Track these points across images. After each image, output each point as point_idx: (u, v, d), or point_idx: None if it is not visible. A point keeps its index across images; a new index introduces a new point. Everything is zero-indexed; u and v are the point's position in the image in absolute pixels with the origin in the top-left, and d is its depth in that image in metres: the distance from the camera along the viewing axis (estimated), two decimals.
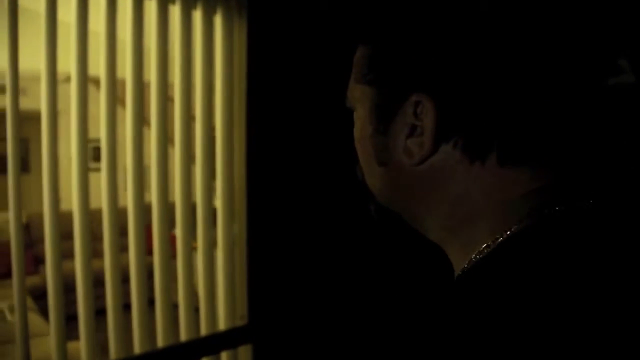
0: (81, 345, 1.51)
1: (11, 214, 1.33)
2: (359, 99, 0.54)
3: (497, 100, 0.44)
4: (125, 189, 1.61)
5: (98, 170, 1.55)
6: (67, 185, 1.55)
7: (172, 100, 1.70)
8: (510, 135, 0.45)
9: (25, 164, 7.34)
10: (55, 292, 1.42)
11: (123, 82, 1.59)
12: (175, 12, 1.63)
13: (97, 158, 1.63)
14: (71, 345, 1.55)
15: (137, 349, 1.57)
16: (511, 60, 0.43)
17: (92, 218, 1.51)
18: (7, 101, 1.31)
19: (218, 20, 1.73)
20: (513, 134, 0.45)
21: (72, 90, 1.43)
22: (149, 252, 1.58)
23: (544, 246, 0.41)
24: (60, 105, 1.49)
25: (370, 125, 0.53)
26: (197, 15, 1.67)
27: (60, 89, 1.48)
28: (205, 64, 1.72)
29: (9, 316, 3.38)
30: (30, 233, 4.90)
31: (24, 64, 1.33)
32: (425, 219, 0.53)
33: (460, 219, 0.49)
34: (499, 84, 0.44)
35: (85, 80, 1.45)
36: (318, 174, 1.90)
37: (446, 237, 0.52)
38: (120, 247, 1.57)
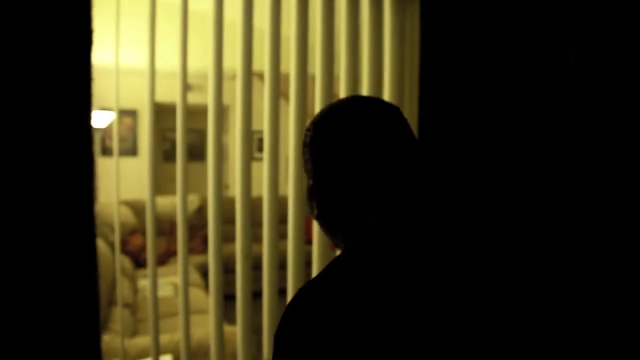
0: (237, 327, 1.58)
1: (178, 199, 1.43)
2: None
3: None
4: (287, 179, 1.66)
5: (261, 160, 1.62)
6: (234, 173, 1.65)
7: (335, 94, 1.70)
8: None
9: (201, 153, 8.16)
10: (216, 273, 1.51)
11: (286, 76, 1.63)
12: (341, 3, 1.61)
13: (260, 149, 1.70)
14: (229, 329, 1.64)
15: None
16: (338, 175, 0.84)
17: (254, 205, 1.58)
18: (176, 96, 1.42)
19: (387, 6, 1.67)
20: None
21: (238, 85, 1.50)
22: (308, 241, 1.60)
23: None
24: (229, 100, 1.58)
25: (306, 194, 0.96)
26: (365, 3, 1.63)
27: (229, 84, 1.57)
28: (374, 54, 1.66)
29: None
30: (203, 215, 5.41)
31: (196, 62, 1.44)
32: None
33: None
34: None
35: (250, 76, 1.50)
36: (501, 171, 1.73)
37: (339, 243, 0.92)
38: (280, 235, 1.61)
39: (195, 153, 7.65)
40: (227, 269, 2.32)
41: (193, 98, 1.50)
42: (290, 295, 1.63)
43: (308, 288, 0.76)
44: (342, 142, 0.83)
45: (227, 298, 2.13)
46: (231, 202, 1.68)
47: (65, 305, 1.14)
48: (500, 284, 0.83)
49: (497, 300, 0.81)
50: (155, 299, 1.53)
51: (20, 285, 1.11)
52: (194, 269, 4.37)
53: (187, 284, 1.55)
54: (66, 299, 1.15)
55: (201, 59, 2.29)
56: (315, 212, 0.90)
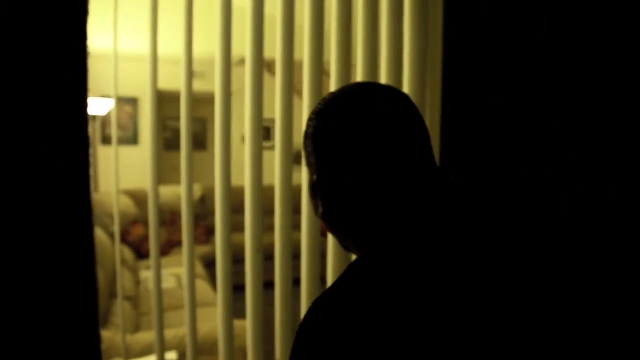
0: (247, 321, 1.50)
1: (183, 188, 1.36)
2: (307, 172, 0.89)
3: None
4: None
5: (268, 149, 1.54)
6: (239, 162, 1.56)
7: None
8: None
9: (203, 142, 8.10)
10: (224, 264, 1.44)
11: (297, 65, 1.53)
12: None
13: (266, 137, 1.61)
14: (237, 324, 1.56)
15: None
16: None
17: (265, 194, 1.50)
18: (180, 83, 1.35)
19: None
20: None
21: (247, 72, 1.41)
22: (324, 233, 1.53)
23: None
24: (236, 86, 1.49)
25: (309, 192, 0.86)
26: None
27: (235, 71, 1.48)
28: (393, 42, 1.55)
29: (185, 282, 3.69)
30: (206, 205, 5.34)
31: (202, 48, 1.36)
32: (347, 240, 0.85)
33: None
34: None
35: (262, 62, 1.42)
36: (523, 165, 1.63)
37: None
38: (293, 225, 1.53)
39: (198, 142, 7.58)
40: (234, 259, 2.25)
41: (196, 86, 1.41)
42: (304, 287, 1.55)
43: (328, 300, 0.68)
44: (350, 133, 0.75)
45: (234, 289, 2.06)
46: (235, 191, 1.60)
47: (62, 299, 1.07)
48: (533, 291, 0.74)
49: (529, 308, 0.72)
50: (160, 292, 1.45)
51: (15, 279, 1.03)
52: (198, 260, 4.30)
53: (193, 276, 1.47)
54: (63, 292, 1.08)
55: (205, 46, 2.21)
56: (321, 210, 0.82)
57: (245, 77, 1.43)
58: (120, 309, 1.61)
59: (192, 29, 1.40)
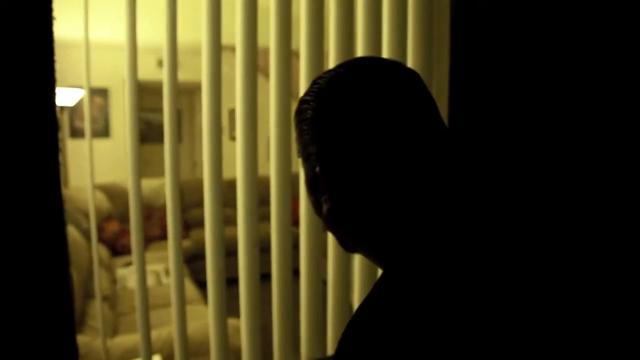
0: (242, 319, 1.40)
1: (167, 180, 1.25)
2: (301, 165, 0.77)
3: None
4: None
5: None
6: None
7: None
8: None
9: (178, 134, 7.91)
10: (216, 258, 1.34)
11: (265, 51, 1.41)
12: None
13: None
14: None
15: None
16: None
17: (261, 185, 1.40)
18: (164, 74, 1.24)
19: None
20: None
21: (204, 58, 1.30)
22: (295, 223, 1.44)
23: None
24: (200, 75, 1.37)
25: (306, 189, 0.75)
26: None
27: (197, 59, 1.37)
28: (396, 10, 1.42)
29: (164, 279, 3.55)
30: (184, 199, 5.20)
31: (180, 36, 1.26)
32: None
33: None
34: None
35: (219, 48, 1.31)
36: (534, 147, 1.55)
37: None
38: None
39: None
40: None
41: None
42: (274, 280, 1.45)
43: (378, 330, 0.56)
44: (362, 114, 0.64)
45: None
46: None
47: (34, 304, 0.98)
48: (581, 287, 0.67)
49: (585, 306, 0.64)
50: (145, 292, 1.34)
51: None
52: None
53: (181, 273, 1.36)
54: (35, 296, 0.98)
55: (183, 34, 2.09)
56: (326, 208, 0.69)
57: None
58: (100, 312, 1.49)
59: (175, 15, 1.28)
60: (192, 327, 2.10)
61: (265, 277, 1.40)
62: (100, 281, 3.10)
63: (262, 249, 1.37)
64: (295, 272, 1.42)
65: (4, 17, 0.89)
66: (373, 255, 0.70)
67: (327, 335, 1.47)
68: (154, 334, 2.07)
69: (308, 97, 0.69)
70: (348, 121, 0.65)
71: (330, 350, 1.46)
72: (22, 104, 0.93)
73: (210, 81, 1.28)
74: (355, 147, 0.64)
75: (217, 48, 1.28)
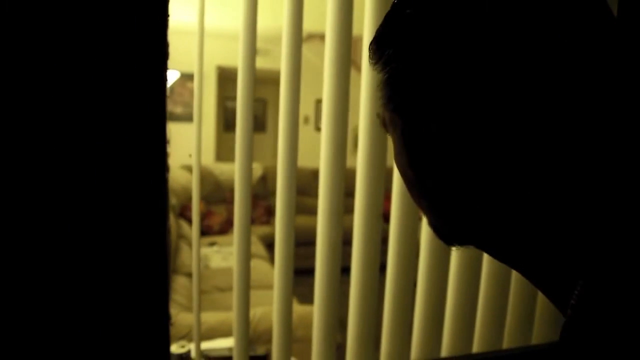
0: (315, 305, 1.38)
1: (237, 166, 1.24)
2: (389, 124, 0.50)
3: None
4: None
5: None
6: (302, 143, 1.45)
7: None
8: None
9: (263, 124, 8.09)
10: (285, 246, 1.31)
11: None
12: None
13: None
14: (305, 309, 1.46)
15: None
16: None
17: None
18: (239, 61, 1.23)
19: None
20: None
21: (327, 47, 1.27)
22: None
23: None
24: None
25: (402, 158, 0.50)
26: None
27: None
28: None
29: None
30: (266, 185, 5.32)
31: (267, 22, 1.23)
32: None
33: None
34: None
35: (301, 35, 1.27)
36: None
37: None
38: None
39: (257, 123, 7.59)
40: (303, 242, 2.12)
41: (259, 63, 1.28)
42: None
43: None
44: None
45: (303, 273, 1.96)
46: (301, 172, 1.48)
47: (133, 278, 1.01)
48: None
49: None
50: (248, 272, 1.30)
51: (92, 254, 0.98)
52: (257, 240, 4.27)
53: (249, 255, 1.34)
54: (135, 270, 1.02)
55: (270, 20, 2.10)
56: (438, 183, 0.46)
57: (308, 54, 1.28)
58: (196, 288, 1.48)
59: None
60: (270, 311, 2.14)
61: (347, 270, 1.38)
62: (183, 258, 3.25)
63: (345, 241, 1.34)
64: (382, 268, 1.38)
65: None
66: (502, 247, 0.47)
67: (411, 338, 1.42)
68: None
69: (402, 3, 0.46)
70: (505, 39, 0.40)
71: (414, 353, 1.41)
72: (134, 84, 0.95)
73: (289, 69, 1.26)
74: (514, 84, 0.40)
75: (298, 35, 1.26)
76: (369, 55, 0.49)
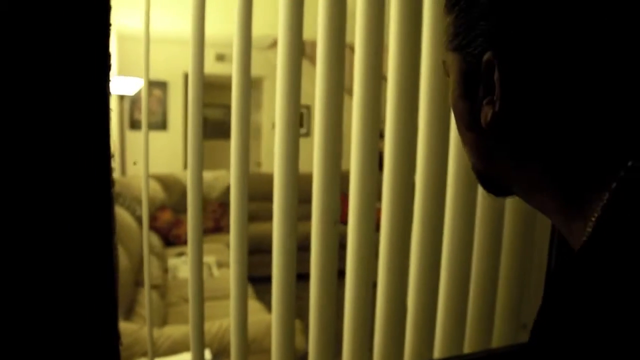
0: (273, 314, 1.36)
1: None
2: (450, 65, 0.54)
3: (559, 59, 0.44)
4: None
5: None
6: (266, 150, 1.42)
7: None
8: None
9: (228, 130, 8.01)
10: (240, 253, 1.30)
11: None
12: None
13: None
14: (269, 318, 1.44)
15: None
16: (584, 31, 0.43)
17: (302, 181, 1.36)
18: (189, 67, 1.22)
19: None
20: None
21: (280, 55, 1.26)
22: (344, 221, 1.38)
23: None
24: (262, 70, 1.34)
25: (457, 91, 0.53)
26: None
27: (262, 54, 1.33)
28: None
29: (215, 272, 3.60)
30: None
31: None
32: (513, 186, 0.53)
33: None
34: (565, 46, 0.44)
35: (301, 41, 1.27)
36: None
37: (543, 205, 0.51)
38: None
39: (226, 130, 7.53)
40: (265, 249, 2.09)
41: (225, 69, 1.27)
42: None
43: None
44: None
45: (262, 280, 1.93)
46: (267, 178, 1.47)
47: (77, 286, 0.97)
48: None
49: None
50: (201, 283, 1.29)
51: (28, 264, 0.94)
52: (227, 248, 4.22)
53: (245, 267, 1.32)
54: (79, 275, 0.98)
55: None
56: (492, 113, 0.48)
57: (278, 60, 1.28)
58: (149, 300, 1.46)
59: (204, 5, 1.26)
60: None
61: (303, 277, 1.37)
62: (150, 269, 3.17)
63: (300, 247, 1.34)
64: (341, 273, 1.38)
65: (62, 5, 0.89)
66: (559, 189, 0.48)
67: (373, 338, 1.42)
68: (206, 325, 2.08)
69: None
70: None
71: (376, 354, 1.40)
72: (76, 88, 0.92)
73: (239, 75, 1.25)
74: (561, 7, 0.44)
75: (247, 41, 1.25)
76: None
